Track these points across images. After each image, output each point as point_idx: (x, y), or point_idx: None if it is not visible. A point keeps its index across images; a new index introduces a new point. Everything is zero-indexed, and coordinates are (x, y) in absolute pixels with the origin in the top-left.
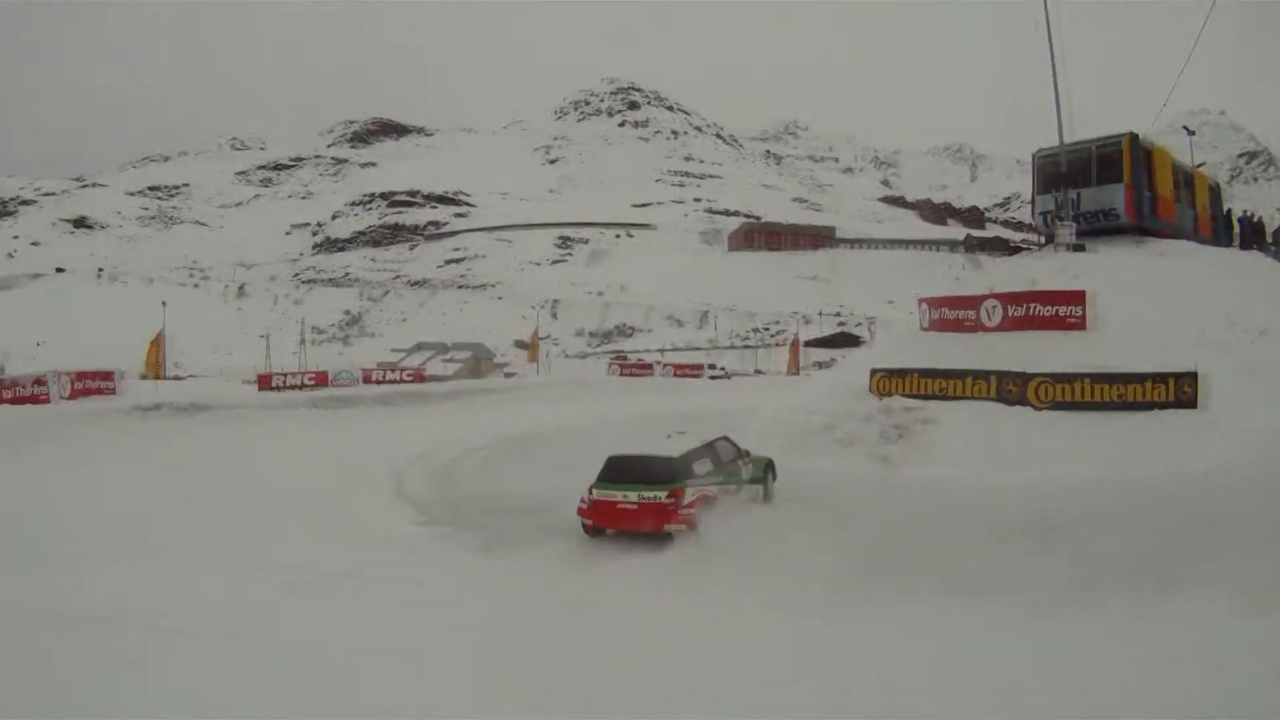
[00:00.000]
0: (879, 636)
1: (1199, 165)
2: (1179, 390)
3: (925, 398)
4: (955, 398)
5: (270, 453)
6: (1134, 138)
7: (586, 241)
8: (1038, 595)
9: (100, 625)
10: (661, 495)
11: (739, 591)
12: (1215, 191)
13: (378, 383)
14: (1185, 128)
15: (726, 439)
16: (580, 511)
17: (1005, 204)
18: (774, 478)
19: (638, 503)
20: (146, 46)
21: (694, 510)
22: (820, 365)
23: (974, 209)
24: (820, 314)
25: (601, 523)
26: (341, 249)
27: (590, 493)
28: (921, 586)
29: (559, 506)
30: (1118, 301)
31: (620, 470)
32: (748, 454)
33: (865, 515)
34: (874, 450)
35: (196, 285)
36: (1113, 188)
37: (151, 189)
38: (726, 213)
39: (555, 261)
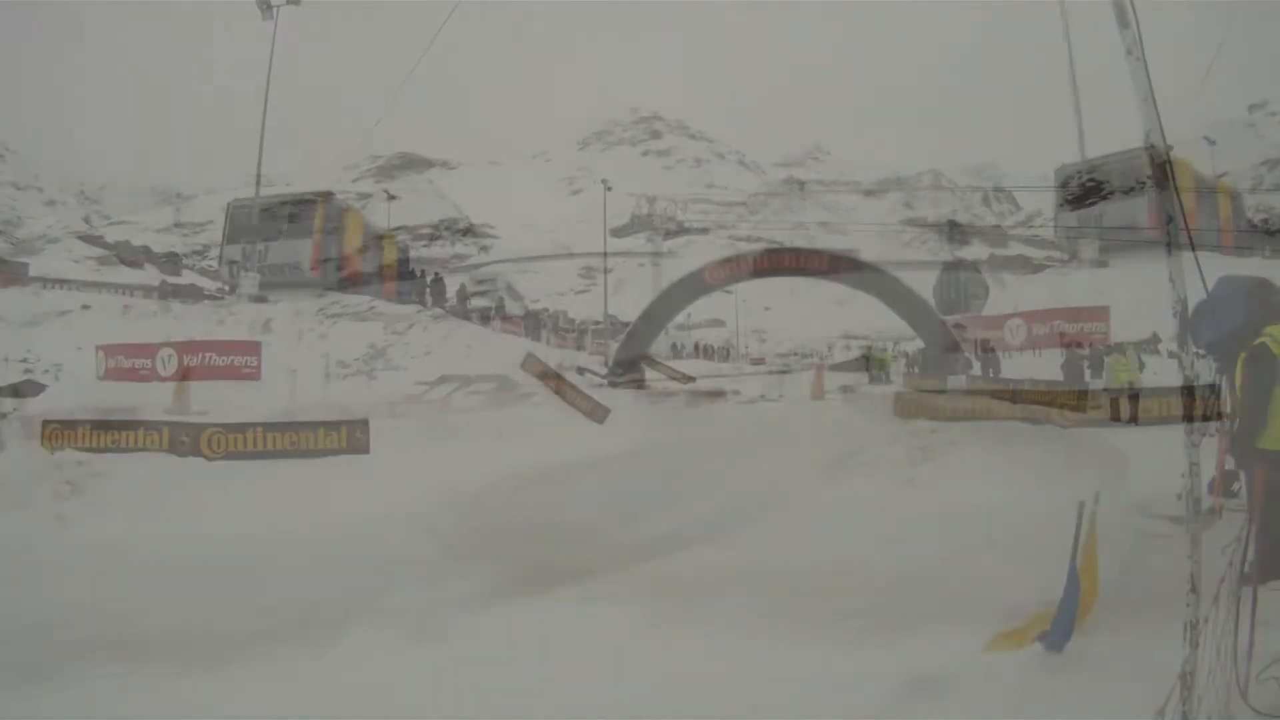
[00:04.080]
0: None
1: (1221, 175)
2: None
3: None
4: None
5: None
6: (1153, 148)
7: (610, 271)
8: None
9: None
10: None
11: None
12: (1237, 201)
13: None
14: (1206, 138)
15: None
16: None
17: (1029, 221)
18: None
19: None
20: (165, 82)
21: None
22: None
23: (997, 228)
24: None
25: None
26: (366, 283)
27: None
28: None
29: None
30: None
31: None
32: None
33: None
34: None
35: (221, 322)
36: (1135, 201)
37: (177, 225)
38: (749, 239)
39: (580, 292)
